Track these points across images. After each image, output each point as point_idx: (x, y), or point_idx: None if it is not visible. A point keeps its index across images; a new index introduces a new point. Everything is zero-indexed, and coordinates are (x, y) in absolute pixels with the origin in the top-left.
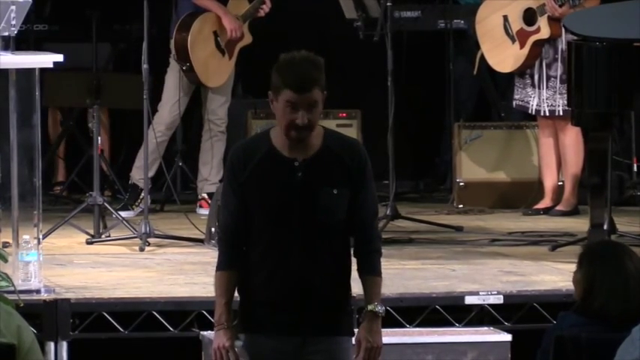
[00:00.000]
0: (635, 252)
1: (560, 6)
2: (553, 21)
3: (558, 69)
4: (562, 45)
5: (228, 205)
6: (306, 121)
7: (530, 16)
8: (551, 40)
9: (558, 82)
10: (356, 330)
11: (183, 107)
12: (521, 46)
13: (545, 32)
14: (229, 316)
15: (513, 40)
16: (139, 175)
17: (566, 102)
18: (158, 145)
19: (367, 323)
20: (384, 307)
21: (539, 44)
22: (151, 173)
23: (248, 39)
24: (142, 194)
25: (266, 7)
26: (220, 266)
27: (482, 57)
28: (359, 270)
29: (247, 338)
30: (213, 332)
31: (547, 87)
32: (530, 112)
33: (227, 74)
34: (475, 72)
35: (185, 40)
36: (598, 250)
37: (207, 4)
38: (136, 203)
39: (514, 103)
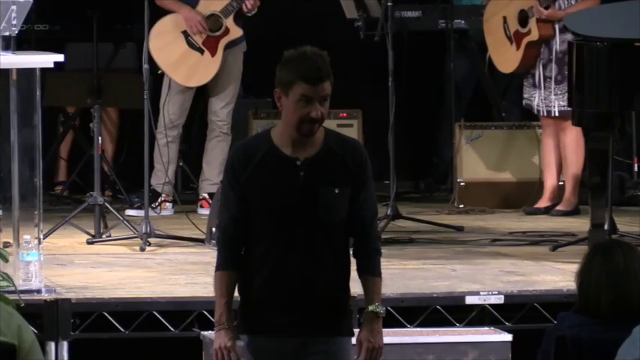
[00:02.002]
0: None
1: (546, 8)
2: (542, 23)
3: (553, 70)
4: (556, 46)
5: (228, 206)
6: (320, 114)
7: (524, 18)
8: (547, 41)
9: (553, 82)
10: (356, 330)
11: (182, 107)
12: (517, 48)
13: (534, 34)
14: (230, 316)
15: (511, 41)
16: (154, 180)
17: (561, 103)
18: (162, 147)
19: (368, 324)
20: (384, 308)
21: (533, 45)
22: (167, 178)
23: (235, 33)
24: (161, 198)
25: (249, 4)
26: (220, 266)
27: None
28: (359, 270)
29: (247, 339)
30: (213, 332)
31: (544, 87)
32: (534, 111)
33: (210, 72)
34: (486, 71)
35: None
36: (595, 247)
37: (166, 3)
38: (152, 205)
39: (524, 102)
